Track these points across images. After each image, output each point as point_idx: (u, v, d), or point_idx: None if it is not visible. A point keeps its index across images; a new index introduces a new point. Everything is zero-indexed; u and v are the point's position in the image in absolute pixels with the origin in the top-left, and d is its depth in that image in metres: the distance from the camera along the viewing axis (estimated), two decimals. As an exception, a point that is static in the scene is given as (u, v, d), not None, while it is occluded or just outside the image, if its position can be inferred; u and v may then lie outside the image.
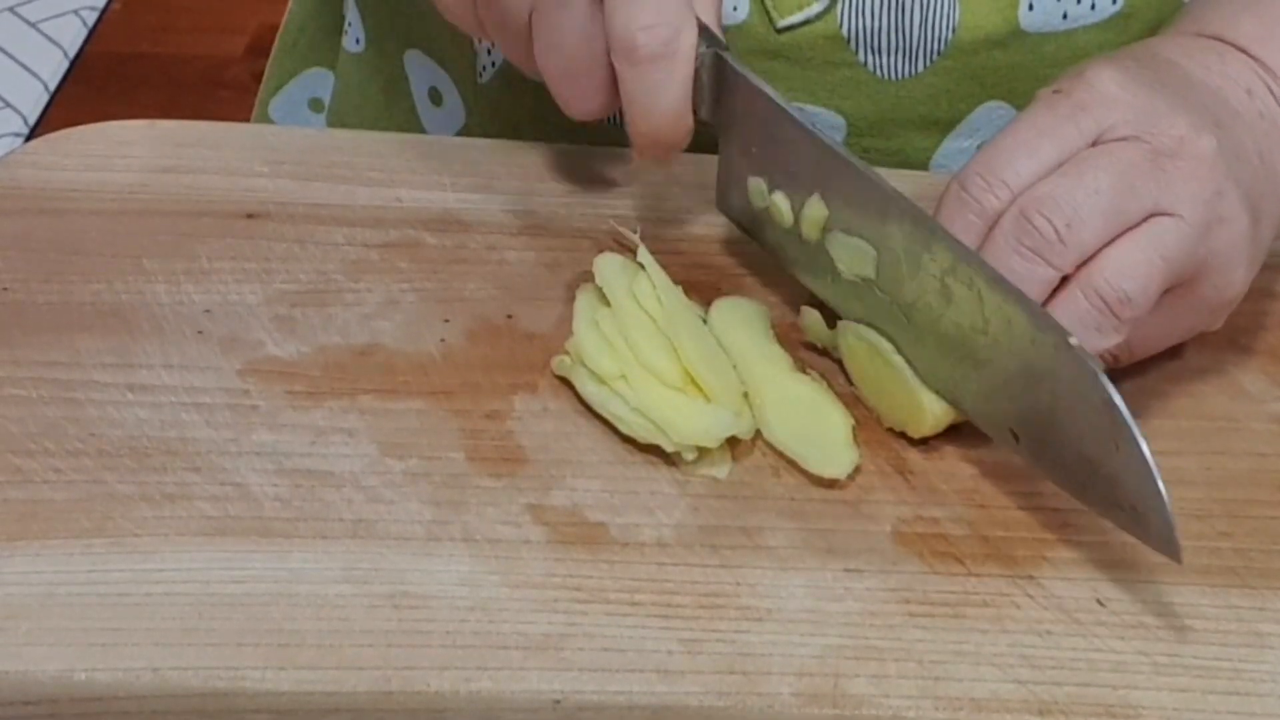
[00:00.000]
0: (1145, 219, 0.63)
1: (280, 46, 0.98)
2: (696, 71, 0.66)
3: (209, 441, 0.64)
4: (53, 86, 1.68)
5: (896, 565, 0.62)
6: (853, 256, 0.66)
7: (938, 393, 0.65)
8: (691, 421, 0.64)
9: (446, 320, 0.69)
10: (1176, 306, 0.65)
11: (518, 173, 0.75)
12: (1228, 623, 0.61)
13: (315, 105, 0.97)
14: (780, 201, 0.68)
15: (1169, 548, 0.60)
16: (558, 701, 0.58)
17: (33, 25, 1.72)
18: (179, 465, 0.64)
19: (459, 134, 0.86)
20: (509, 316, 0.69)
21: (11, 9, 1.72)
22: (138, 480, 0.63)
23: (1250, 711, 0.58)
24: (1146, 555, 0.62)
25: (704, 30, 0.66)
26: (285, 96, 0.97)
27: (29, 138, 1.60)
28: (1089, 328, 0.62)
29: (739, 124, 0.68)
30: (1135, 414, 0.60)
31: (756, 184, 0.69)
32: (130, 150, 0.75)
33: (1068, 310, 0.62)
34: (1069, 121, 0.64)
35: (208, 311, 0.69)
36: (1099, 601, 0.61)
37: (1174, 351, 0.68)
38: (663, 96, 0.65)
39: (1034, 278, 0.62)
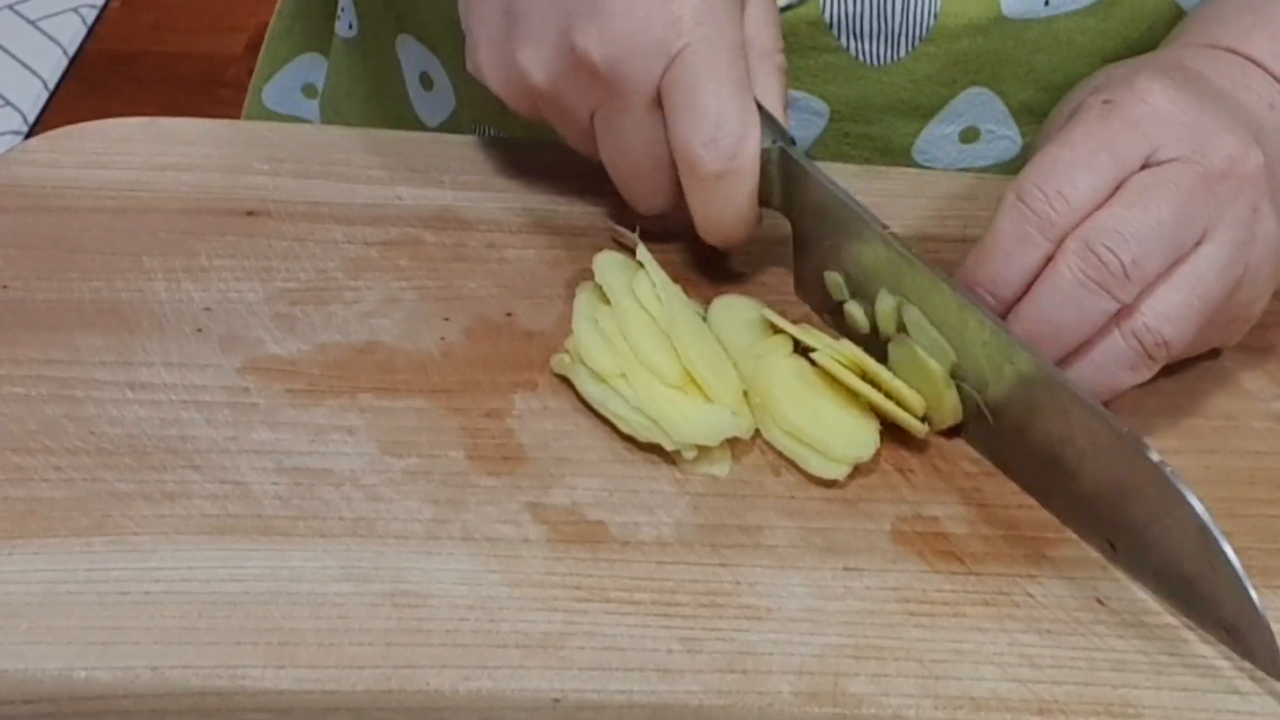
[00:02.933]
0: (1195, 246, 0.63)
1: (273, 33, 0.98)
2: (764, 166, 0.66)
3: (208, 440, 0.64)
4: (52, 84, 1.68)
5: (896, 564, 0.62)
6: (933, 351, 0.65)
7: (1033, 495, 0.64)
8: (691, 420, 0.64)
9: (446, 318, 0.69)
10: (1207, 333, 0.65)
11: (517, 171, 0.75)
12: (1228, 621, 0.61)
13: (309, 91, 0.97)
14: (855, 311, 0.67)
15: (1273, 669, 0.59)
16: (557, 700, 0.58)
17: (32, 23, 1.72)
18: (178, 463, 0.64)
19: (450, 118, 0.86)
20: (509, 314, 0.69)
21: (11, 7, 1.72)
22: (137, 478, 0.63)
23: (1250, 710, 0.58)
24: (1146, 554, 0.62)
25: (770, 122, 0.66)
26: (279, 83, 0.97)
27: (28, 135, 1.60)
28: (1124, 367, 0.63)
29: (810, 215, 0.68)
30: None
31: (834, 279, 0.68)
32: (129, 148, 0.75)
33: (1106, 350, 0.63)
34: (1123, 137, 0.64)
35: (207, 309, 0.69)
36: (1099, 600, 0.61)
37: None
38: (729, 207, 0.66)
39: (1097, 310, 0.62)
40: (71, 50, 1.71)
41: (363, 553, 0.61)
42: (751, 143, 0.65)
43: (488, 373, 0.67)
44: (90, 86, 1.82)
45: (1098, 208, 0.63)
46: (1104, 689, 0.58)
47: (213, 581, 0.60)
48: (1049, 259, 0.63)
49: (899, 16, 0.75)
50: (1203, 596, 0.59)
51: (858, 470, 0.64)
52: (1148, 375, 0.64)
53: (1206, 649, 0.60)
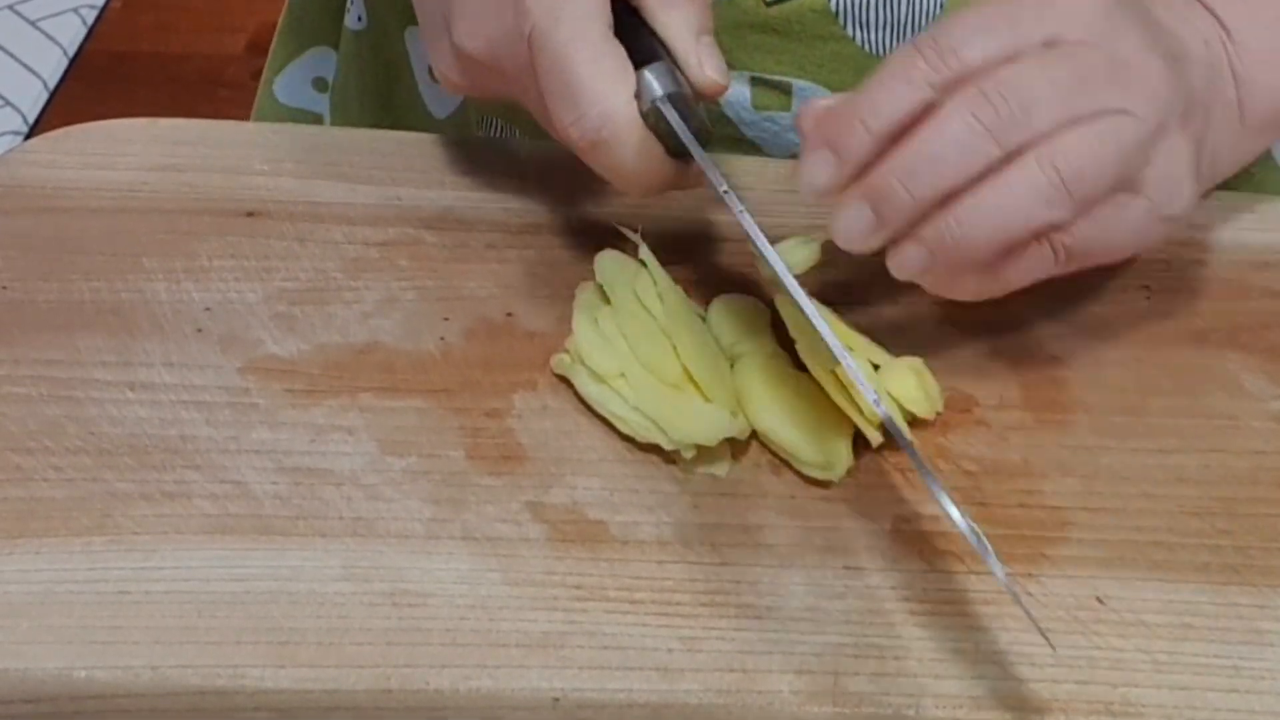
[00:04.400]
0: (1097, 115, 0.62)
1: (284, 25, 0.98)
2: (657, 120, 0.65)
3: (209, 440, 0.64)
4: (52, 85, 1.67)
5: (896, 563, 0.62)
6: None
7: None
8: (690, 420, 0.64)
9: (446, 318, 0.69)
10: (1120, 210, 0.63)
11: (518, 171, 0.75)
12: (1227, 620, 0.61)
13: (319, 85, 0.97)
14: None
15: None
16: (557, 699, 0.58)
17: (32, 23, 1.72)
18: (179, 463, 0.64)
19: (458, 110, 0.87)
20: (509, 315, 0.69)
21: (11, 7, 1.72)
22: (137, 478, 0.63)
23: (1250, 709, 0.58)
24: (1146, 554, 0.62)
25: (661, 71, 0.65)
26: (289, 76, 0.97)
27: (29, 136, 1.60)
28: (1040, 201, 0.61)
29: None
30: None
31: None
32: (130, 149, 0.75)
33: (1020, 179, 0.60)
34: (1031, 13, 0.63)
35: (207, 310, 0.69)
36: (1099, 599, 0.61)
37: (1171, 344, 0.68)
38: (619, 170, 0.66)
39: (977, 152, 0.60)
40: (71, 50, 1.71)
41: (363, 552, 0.61)
42: (617, 110, 0.64)
43: (488, 373, 0.67)
44: (90, 86, 1.82)
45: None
46: (1104, 688, 0.58)
47: (213, 581, 0.60)
48: (929, 106, 0.61)
49: (905, 5, 0.75)
50: None
51: (858, 470, 0.64)
52: (1063, 214, 0.61)
53: (1207, 648, 0.60)
